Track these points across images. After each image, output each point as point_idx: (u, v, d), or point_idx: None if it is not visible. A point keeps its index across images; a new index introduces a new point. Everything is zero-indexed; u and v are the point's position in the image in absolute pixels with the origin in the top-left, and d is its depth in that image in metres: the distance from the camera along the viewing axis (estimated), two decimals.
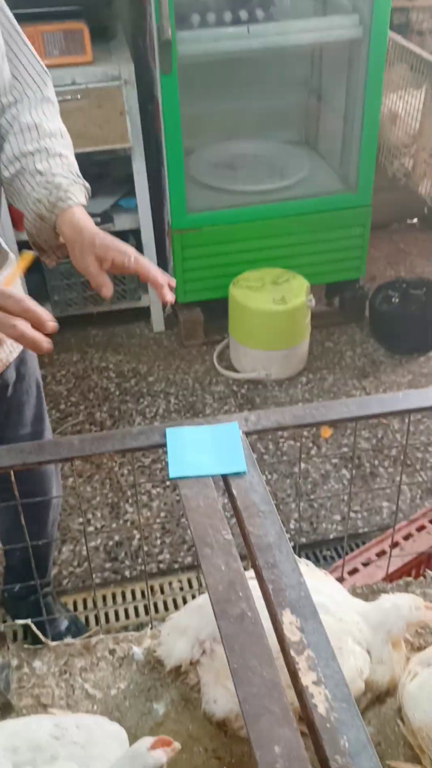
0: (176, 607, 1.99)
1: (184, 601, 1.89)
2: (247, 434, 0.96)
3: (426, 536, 1.84)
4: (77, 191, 1.15)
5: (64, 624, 1.86)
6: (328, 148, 3.09)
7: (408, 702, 0.97)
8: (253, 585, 0.78)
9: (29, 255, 1.09)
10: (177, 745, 0.82)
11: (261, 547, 0.79)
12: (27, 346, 0.92)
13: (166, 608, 2.01)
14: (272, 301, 2.65)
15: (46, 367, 2.90)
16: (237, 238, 2.80)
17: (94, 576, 2.09)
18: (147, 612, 1.92)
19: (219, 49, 2.52)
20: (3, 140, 1.20)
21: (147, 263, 1.10)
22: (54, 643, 1.12)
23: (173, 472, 0.88)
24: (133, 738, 1.01)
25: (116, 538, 2.20)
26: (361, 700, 1.03)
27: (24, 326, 0.88)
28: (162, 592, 2.06)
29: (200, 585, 1.89)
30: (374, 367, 2.89)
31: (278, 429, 0.97)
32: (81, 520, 2.26)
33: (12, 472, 0.90)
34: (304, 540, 2.21)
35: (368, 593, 1.21)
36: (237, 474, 0.89)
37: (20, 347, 1.36)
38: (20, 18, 1.26)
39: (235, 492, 0.86)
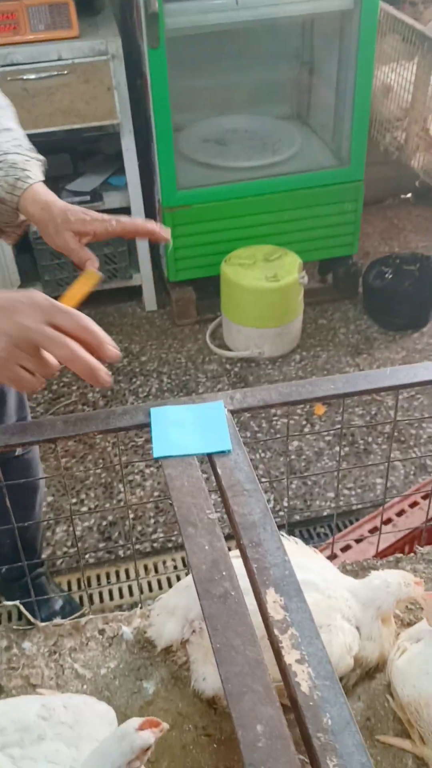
0: (170, 585, 1.99)
1: (178, 579, 1.89)
2: (233, 412, 0.95)
3: (419, 512, 1.84)
4: (34, 168, 1.09)
5: (58, 604, 1.86)
6: (320, 123, 3.06)
7: (396, 677, 0.97)
8: (240, 564, 0.78)
9: (95, 275, 1.01)
10: (165, 725, 0.82)
11: (245, 526, 0.78)
12: (80, 373, 0.79)
13: (160, 587, 2.02)
14: (264, 279, 2.63)
15: None
16: (228, 215, 2.77)
17: (87, 556, 2.10)
18: (141, 591, 1.93)
19: (208, 21, 2.48)
20: None
21: (130, 219, 1.06)
22: (43, 624, 1.12)
23: (158, 452, 0.88)
24: (122, 717, 1.01)
25: (110, 518, 2.20)
26: (351, 676, 1.03)
27: (78, 348, 0.77)
28: (156, 571, 2.06)
29: None
30: (368, 343, 2.88)
31: (264, 407, 0.96)
32: (74, 500, 2.26)
33: None
34: (297, 517, 2.21)
35: (359, 570, 1.21)
36: (222, 453, 0.88)
37: None
38: None
39: (220, 471, 0.86)
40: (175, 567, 2.07)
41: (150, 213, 2.85)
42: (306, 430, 2.49)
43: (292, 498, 2.27)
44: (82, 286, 0.96)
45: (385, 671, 1.03)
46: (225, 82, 3.03)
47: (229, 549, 0.80)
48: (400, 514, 1.83)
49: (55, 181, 2.85)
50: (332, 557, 1.64)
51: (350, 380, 0.98)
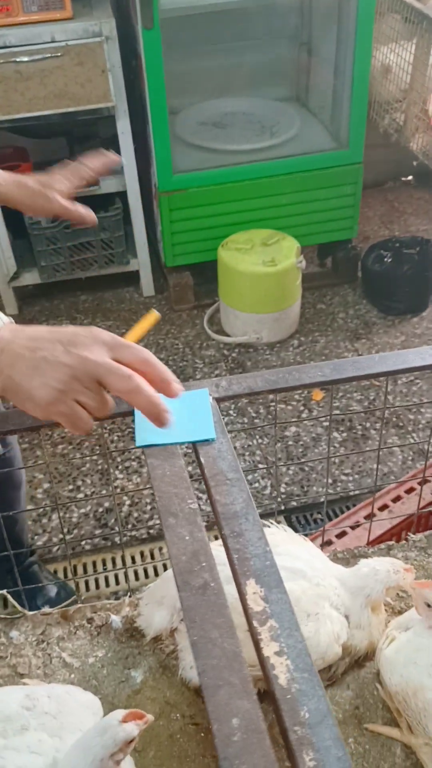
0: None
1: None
2: (218, 400, 0.93)
3: (415, 498, 1.82)
4: None
5: (53, 591, 1.86)
6: (319, 105, 3.02)
7: (385, 666, 0.97)
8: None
9: (156, 314, 0.98)
10: (149, 717, 0.82)
11: (227, 516, 0.77)
12: (142, 408, 0.76)
13: (156, 573, 2.01)
14: (261, 263, 2.60)
15: None
16: (225, 198, 2.74)
17: (83, 543, 2.10)
18: (127, 579, 1.93)
19: (203, 1, 2.44)
20: None
21: (93, 154, 1.11)
22: (31, 613, 1.11)
23: (140, 440, 0.86)
24: (110, 706, 1.01)
25: (106, 504, 2.20)
26: (339, 664, 1.02)
27: (142, 381, 0.75)
28: (152, 557, 2.06)
29: None
30: (367, 328, 2.86)
31: (250, 394, 0.94)
32: (70, 487, 2.26)
33: None
34: (294, 503, 2.20)
35: (350, 557, 1.20)
36: (206, 441, 0.87)
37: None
38: None
39: (203, 460, 0.84)
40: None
41: (146, 197, 2.82)
42: (304, 415, 2.48)
43: (289, 484, 2.26)
44: (144, 324, 0.95)
45: (375, 660, 1.03)
46: (222, 64, 2.99)
47: (217, 538, 0.79)
48: (396, 500, 1.81)
49: (50, 165, 2.81)
50: (327, 544, 1.64)
51: (338, 367, 0.96)
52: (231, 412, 2.49)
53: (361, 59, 2.57)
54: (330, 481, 2.26)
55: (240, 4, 2.52)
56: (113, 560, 2.05)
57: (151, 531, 2.13)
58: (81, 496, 2.24)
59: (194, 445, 0.87)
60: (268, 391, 0.94)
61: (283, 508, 2.19)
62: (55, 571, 2.00)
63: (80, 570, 2.02)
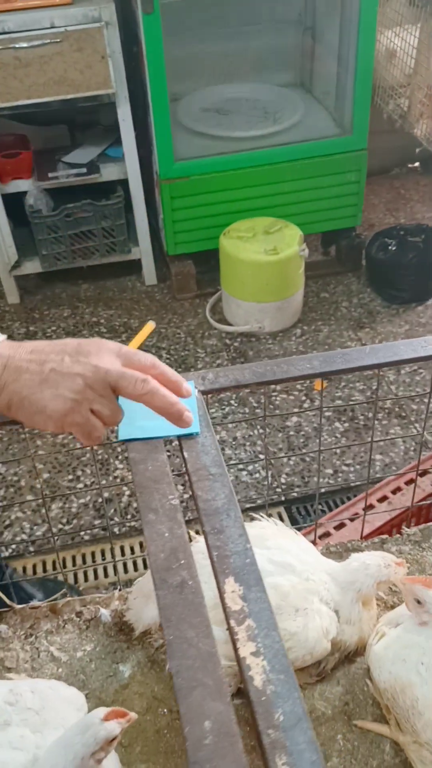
0: None
1: None
2: (204, 393, 0.92)
3: (416, 490, 1.81)
4: None
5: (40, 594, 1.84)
6: (324, 90, 2.98)
7: (374, 662, 0.95)
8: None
9: (152, 325, 1.01)
10: (133, 715, 0.80)
11: (209, 512, 0.76)
12: (160, 410, 0.78)
13: None
14: (263, 252, 2.58)
15: (37, 323, 2.86)
16: (228, 186, 2.72)
17: (83, 533, 2.09)
18: (135, 569, 1.92)
19: None
20: None
21: None
22: (20, 606, 1.11)
23: (123, 434, 0.85)
24: (97, 700, 1.00)
25: (105, 494, 2.19)
26: (329, 660, 1.01)
27: (158, 384, 0.76)
28: None
29: (190, 539, 1.88)
30: (371, 317, 2.83)
31: (237, 387, 0.93)
32: (70, 477, 2.25)
33: None
34: (295, 494, 2.19)
35: (342, 551, 1.18)
36: (190, 435, 0.85)
37: None
38: None
39: (186, 454, 0.83)
40: None
41: (148, 185, 2.80)
42: (305, 405, 2.46)
43: (289, 474, 2.24)
44: (142, 334, 0.99)
45: (365, 655, 1.01)
46: (225, 49, 2.96)
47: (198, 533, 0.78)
48: (395, 491, 1.80)
49: (51, 153, 2.81)
50: (326, 535, 1.62)
51: (327, 359, 0.94)
52: (232, 401, 2.48)
53: (365, 43, 2.53)
54: (331, 471, 2.25)
55: None
56: (112, 551, 2.04)
57: None
58: (81, 486, 2.23)
59: (179, 438, 0.85)
60: (255, 384, 0.92)
61: (283, 499, 2.18)
62: (54, 562, 2.00)
63: (79, 560, 2.02)
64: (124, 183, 2.76)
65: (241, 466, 2.26)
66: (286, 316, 2.75)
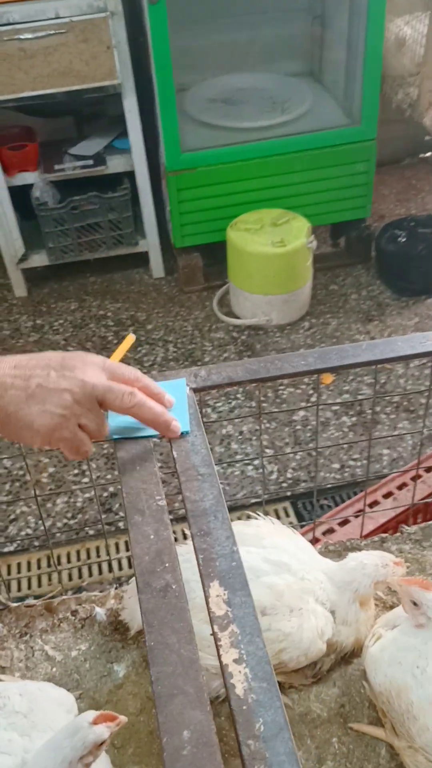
0: None
1: None
2: (196, 390, 0.90)
3: (421, 486, 1.78)
4: None
5: None
6: (333, 80, 2.94)
7: (370, 665, 0.94)
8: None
9: (132, 337, 1.00)
10: (123, 719, 0.79)
11: (196, 514, 0.74)
12: (149, 421, 0.79)
13: None
14: (270, 244, 2.55)
15: (44, 316, 2.85)
16: (235, 177, 2.69)
17: (87, 528, 2.09)
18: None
19: None
20: None
21: None
22: (15, 605, 1.10)
23: (113, 432, 0.83)
24: (90, 700, 1.00)
25: (110, 489, 2.18)
26: (325, 661, 1.00)
27: (144, 396, 0.78)
28: None
29: (185, 537, 1.87)
30: (380, 310, 2.80)
31: (230, 384, 0.91)
32: (76, 471, 2.24)
33: None
34: (302, 489, 2.17)
35: (341, 550, 1.17)
36: (181, 434, 0.84)
37: None
38: None
39: (175, 453, 0.81)
40: (176, 539, 2.04)
41: (155, 177, 2.77)
42: (313, 399, 2.44)
43: (296, 469, 2.23)
44: (123, 347, 0.97)
45: (362, 657, 1.00)
46: (233, 39, 2.92)
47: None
48: (401, 487, 1.77)
49: (58, 145, 2.79)
50: (330, 531, 1.61)
51: (322, 356, 0.92)
52: (239, 395, 2.46)
53: (374, 32, 2.49)
54: (338, 466, 2.23)
55: None
56: (116, 545, 2.04)
57: None
58: (86, 480, 2.23)
59: (169, 438, 0.84)
60: (248, 381, 0.91)
61: (289, 494, 2.16)
62: (58, 557, 1.99)
63: (83, 555, 2.01)
64: (130, 175, 2.74)
65: (247, 461, 2.24)
66: (294, 308, 2.73)
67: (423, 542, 1.16)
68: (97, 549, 2.04)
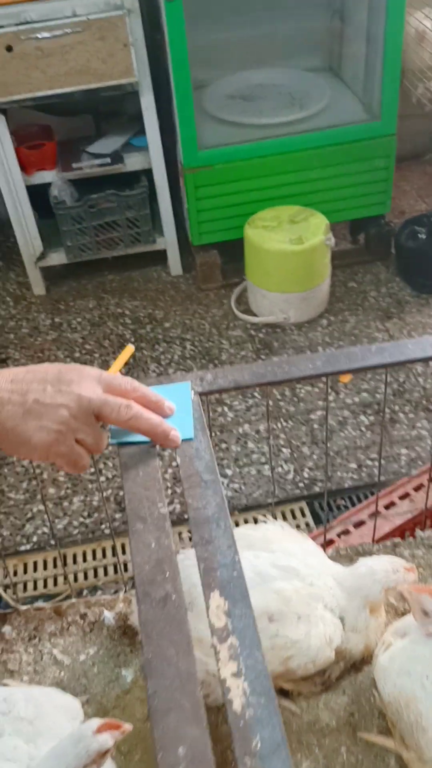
0: None
1: None
2: (202, 395, 0.89)
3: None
4: None
5: None
6: (353, 75, 2.90)
7: (379, 674, 0.92)
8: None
9: (131, 348, 1.01)
10: (127, 727, 0.79)
11: (198, 521, 0.73)
12: (147, 432, 0.78)
13: None
14: (288, 241, 2.53)
15: (62, 314, 2.85)
16: (252, 174, 2.67)
17: (103, 526, 2.09)
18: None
19: None
20: None
21: None
22: (24, 608, 1.10)
23: (115, 437, 0.83)
24: (98, 706, 0.99)
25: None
26: (334, 669, 0.98)
27: (142, 408, 0.77)
28: None
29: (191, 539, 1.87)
30: (399, 307, 2.77)
31: (236, 388, 0.90)
32: (92, 470, 2.24)
33: None
34: (317, 489, 2.15)
35: (353, 555, 1.15)
36: (185, 440, 0.82)
37: None
38: None
39: (179, 459, 0.80)
40: (190, 539, 2.04)
41: (173, 174, 2.76)
42: (330, 398, 2.42)
43: (312, 469, 2.21)
44: (122, 358, 0.98)
45: (372, 665, 0.98)
46: (251, 35, 2.90)
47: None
48: (418, 488, 1.75)
49: (75, 143, 2.79)
50: (345, 533, 1.59)
51: (330, 359, 0.91)
52: (256, 394, 2.44)
53: (394, 25, 2.45)
54: (355, 466, 2.20)
55: None
56: (113, 549, 2.03)
57: (171, 516, 2.10)
58: (103, 479, 2.23)
59: None
60: (255, 384, 0.89)
61: (305, 493, 2.14)
62: (74, 556, 2.00)
63: (99, 554, 2.01)
64: (148, 173, 2.73)
65: (263, 460, 2.23)
66: (312, 306, 2.70)
67: None
68: (113, 548, 2.04)
